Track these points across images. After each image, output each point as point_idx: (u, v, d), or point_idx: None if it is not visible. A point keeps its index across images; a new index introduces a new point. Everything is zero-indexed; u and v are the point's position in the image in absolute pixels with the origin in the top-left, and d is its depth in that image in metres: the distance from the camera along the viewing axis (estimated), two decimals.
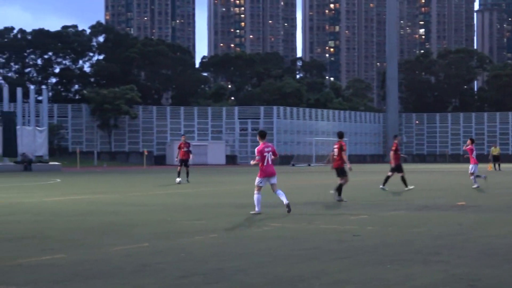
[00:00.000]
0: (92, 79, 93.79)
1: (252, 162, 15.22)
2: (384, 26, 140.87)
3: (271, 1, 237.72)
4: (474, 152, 25.27)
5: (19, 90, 57.50)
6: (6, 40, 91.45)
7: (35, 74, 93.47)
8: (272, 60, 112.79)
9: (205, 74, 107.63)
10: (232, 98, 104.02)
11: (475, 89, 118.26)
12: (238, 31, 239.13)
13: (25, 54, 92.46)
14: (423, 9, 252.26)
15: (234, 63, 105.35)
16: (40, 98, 65.11)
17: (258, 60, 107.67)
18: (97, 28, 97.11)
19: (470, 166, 24.91)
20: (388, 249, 9.45)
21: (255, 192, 14.78)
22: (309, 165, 73.29)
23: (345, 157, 18.16)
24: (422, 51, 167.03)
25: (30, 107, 57.75)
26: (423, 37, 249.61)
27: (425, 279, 7.37)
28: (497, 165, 48.69)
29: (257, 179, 14.86)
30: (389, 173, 23.43)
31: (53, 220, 13.65)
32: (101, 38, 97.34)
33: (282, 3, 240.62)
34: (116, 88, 78.79)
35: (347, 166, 18.27)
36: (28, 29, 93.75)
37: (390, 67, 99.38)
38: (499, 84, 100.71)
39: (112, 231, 11.77)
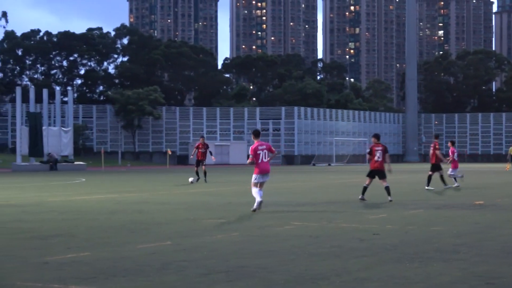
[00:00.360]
0: (117, 81, 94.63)
1: (247, 161, 15.50)
2: (404, 28, 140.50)
3: (292, 3, 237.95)
4: (456, 154, 25.30)
5: (45, 91, 58.08)
6: (32, 42, 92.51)
7: (60, 76, 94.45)
8: (293, 62, 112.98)
9: (227, 75, 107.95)
10: (254, 99, 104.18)
11: (493, 90, 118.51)
12: (259, 33, 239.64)
13: (51, 56, 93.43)
14: (442, 11, 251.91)
15: (256, 64, 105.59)
16: (65, 99, 65.85)
17: (279, 61, 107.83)
18: (121, 31, 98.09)
19: (450, 169, 24.79)
20: (408, 248, 9.50)
21: (252, 188, 15.09)
22: (329, 164, 73.27)
23: (389, 159, 18.48)
24: (441, 52, 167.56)
25: (56, 108, 58.30)
26: (442, 38, 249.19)
27: (444, 277, 7.41)
28: None
29: (253, 176, 15.19)
30: (430, 173, 23.57)
31: (78, 219, 13.78)
32: (125, 40, 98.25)
33: (303, 6, 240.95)
34: (140, 89, 79.40)
35: (389, 167, 18.43)
36: (54, 32, 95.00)
37: (409, 68, 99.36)
38: None
39: (136, 230, 11.85)
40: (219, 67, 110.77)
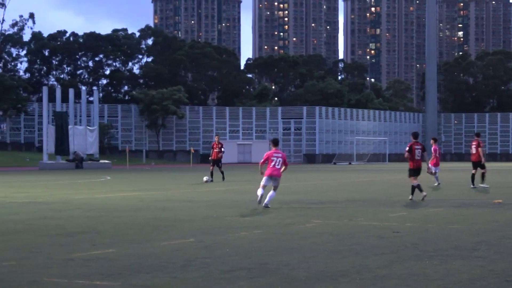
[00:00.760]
0: (141, 81, 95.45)
1: (260, 162, 16.21)
2: (424, 28, 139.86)
3: (314, 5, 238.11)
4: (438, 152, 25.14)
5: (71, 91, 58.70)
6: (59, 43, 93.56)
7: (86, 76, 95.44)
8: (315, 62, 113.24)
9: (249, 75, 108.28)
10: (276, 98, 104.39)
11: None
12: (282, 34, 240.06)
13: (77, 56, 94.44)
14: (461, 12, 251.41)
15: (278, 65, 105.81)
16: (91, 98, 66.59)
17: (301, 62, 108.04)
18: (146, 32, 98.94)
19: (433, 167, 24.49)
20: (427, 245, 9.55)
21: (259, 188, 15.61)
22: (350, 163, 73.24)
23: (427, 158, 18.53)
24: (460, 53, 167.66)
25: (82, 107, 58.91)
26: (462, 39, 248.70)
27: (464, 274, 7.46)
28: None
29: (263, 178, 15.76)
30: (473, 171, 23.41)
31: (103, 216, 13.96)
32: (150, 41, 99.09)
33: (324, 7, 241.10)
34: (164, 89, 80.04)
35: (429, 168, 18.37)
36: (80, 33, 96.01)
37: (429, 69, 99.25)
38: None
39: (160, 227, 11.98)
40: (242, 67, 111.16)
